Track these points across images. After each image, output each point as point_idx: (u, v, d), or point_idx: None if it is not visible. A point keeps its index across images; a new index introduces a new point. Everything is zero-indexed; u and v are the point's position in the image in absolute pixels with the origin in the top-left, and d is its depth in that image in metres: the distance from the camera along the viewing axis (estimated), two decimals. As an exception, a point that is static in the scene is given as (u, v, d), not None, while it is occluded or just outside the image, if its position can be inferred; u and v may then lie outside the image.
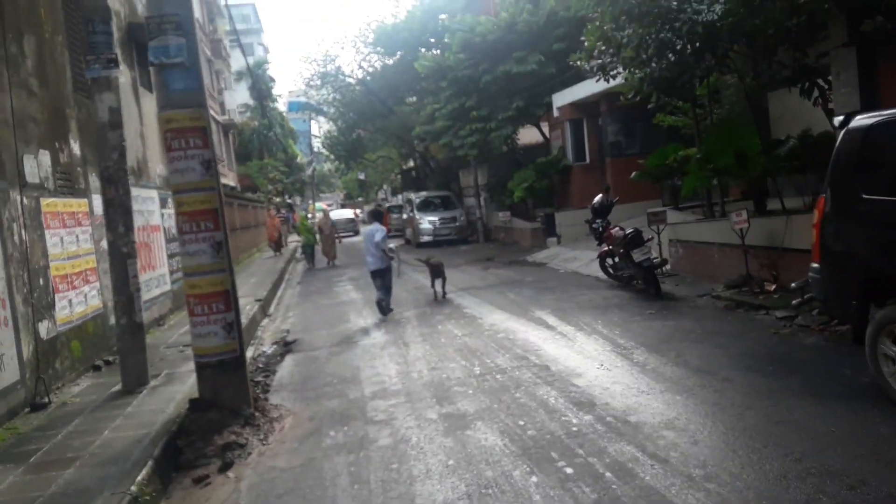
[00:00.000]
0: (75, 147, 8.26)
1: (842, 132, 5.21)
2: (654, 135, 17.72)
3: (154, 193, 11.60)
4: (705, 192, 12.58)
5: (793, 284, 7.60)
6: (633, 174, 14.86)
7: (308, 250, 21.29)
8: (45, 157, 7.31)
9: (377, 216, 11.75)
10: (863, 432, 4.45)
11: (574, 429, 5.07)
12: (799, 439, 4.45)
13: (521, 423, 5.31)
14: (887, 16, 7.75)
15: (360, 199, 65.47)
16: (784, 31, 8.79)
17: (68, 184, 7.92)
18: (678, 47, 9.19)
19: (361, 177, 53.16)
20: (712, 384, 5.77)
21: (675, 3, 8.92)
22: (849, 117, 5.20)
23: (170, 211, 12.37)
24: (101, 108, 6.82)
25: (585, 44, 11.92)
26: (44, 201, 7.08)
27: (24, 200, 6.64)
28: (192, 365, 7.15)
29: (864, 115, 5.09)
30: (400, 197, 42.53)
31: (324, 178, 73.01)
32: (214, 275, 5.79)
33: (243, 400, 5.90)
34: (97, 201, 8.40)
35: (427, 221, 24.74)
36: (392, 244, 11.61)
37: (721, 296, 9.40)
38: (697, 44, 9.12)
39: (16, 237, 6.39)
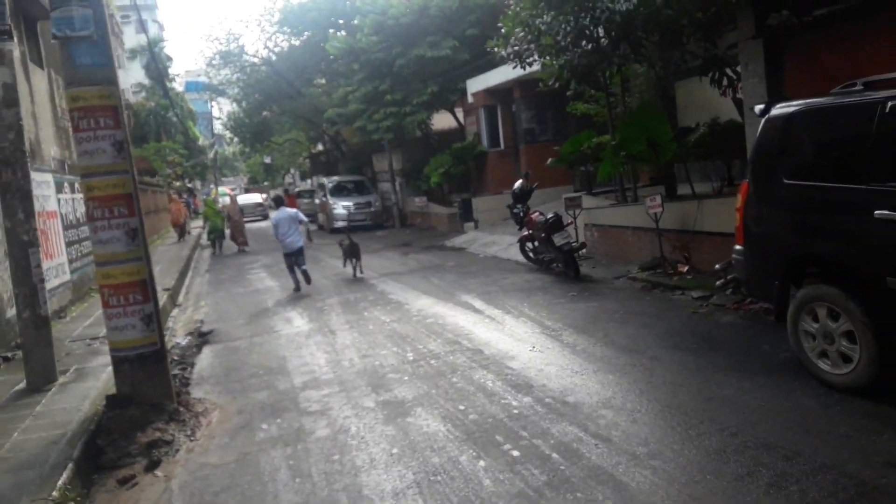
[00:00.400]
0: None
1: (763, 120, 5.42)
2: (566, 122, 18.16)
3: (49, 177, 10.73)
4: (618, 178, 12.96)
5: (716, 266, 7.92)
6: (550, 161, 15.10)
7: (215, 235, 20.41)
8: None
9: (280, 201, 12.73)
10: (790, 405, 4.69)
11: (515, 411, 5.08)
12: (732, 414, 4.63)
13: (462, 407, 5.28)
14: (792, 10, 8.19)
15: (265, 183, 63.43)
16: (695, 21, 9.12)
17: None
18: (595, 35, 9.38)
19: (267, 160, 51.35)
20: (642, 363, 5.94)
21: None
22: (769, 105, 5.40)
23: (66, 196, 11.52)
24: (-8, 85, 6.22)
25: (503, 30, 11.95)
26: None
27: None
28: (103, 359, 6.74)
29: (785, 104, 5.28)
30: (309, 182, 41.54)
31: (227, 162, 70.26)
32: (130, 263, 5.46)
33: (165, 395, 5.59)
34: (-12, 185, 7.66)
35: (341, 206, 24.18)
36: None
37: (637, 277, 9.72)
38: (613, 33, 9.34)
39: None
